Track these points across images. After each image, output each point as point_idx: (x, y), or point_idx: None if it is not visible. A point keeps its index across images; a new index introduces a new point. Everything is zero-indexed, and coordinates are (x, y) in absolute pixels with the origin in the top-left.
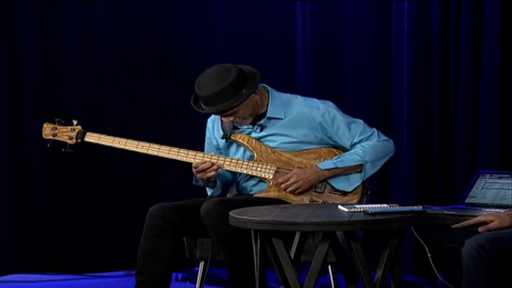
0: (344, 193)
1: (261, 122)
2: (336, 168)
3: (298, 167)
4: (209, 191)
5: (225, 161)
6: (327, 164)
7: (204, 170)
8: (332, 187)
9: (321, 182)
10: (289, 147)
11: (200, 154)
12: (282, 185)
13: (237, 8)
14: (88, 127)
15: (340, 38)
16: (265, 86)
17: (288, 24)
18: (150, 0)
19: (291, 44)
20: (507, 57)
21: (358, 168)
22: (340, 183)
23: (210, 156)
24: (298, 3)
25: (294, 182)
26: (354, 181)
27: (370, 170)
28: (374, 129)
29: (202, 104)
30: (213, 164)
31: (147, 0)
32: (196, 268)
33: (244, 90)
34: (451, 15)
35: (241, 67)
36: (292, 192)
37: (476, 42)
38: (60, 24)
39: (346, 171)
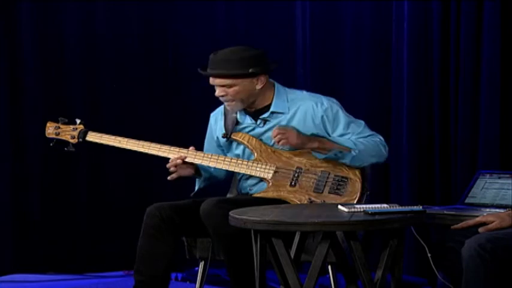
0: (338, 189)
1: (264, 115)
2: (323, 138)
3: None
4: (197, 183)
5: (224, 160)
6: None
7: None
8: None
9: (303, 145)
10: (289, 146)
11: (200, 153)
12: (275, 138)
13: (237, 8)
14: (88, 126)
15: (340, 38)
16: (273, 81)
17: (288, 24)
18: (150, 0)
19: (291, 44)
20: (507, 58)
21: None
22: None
23: (210, 156)
24: (298, 3)
25: (278, 134)
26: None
27: (349, 157)
28: (374, 132)
29: (208, 69)
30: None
31: (147, 0)
32: (196, 268)
33: (250, 70)
34: (451, 15)
35: (265, 55)
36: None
37: (476, 42)
38: (60, 24)
39: (333, 148)
